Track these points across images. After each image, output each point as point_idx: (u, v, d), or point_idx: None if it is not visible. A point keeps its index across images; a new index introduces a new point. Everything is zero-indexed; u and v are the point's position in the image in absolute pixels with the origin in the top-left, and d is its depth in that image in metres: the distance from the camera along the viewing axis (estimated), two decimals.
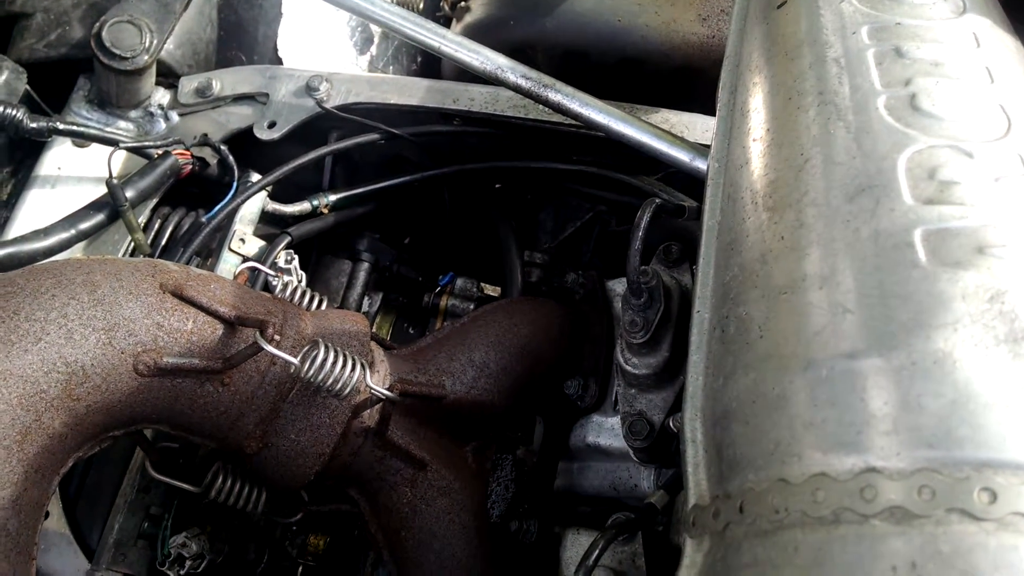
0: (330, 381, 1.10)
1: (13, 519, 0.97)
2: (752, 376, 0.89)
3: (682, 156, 1.42)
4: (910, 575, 0.68)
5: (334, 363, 1.10)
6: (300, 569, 1.46)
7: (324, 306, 1.33)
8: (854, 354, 0.80)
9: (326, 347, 1.10)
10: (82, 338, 1.01)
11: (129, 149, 1.59)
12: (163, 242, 1.58)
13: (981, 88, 0.96)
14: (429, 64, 2.30)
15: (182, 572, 1.29)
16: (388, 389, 1.19)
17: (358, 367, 1.12)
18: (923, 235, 0.84)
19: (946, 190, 0.87)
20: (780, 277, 0.91)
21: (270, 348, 1.08)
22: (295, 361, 1.09)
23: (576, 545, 1.32)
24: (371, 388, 1.16)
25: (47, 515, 1.42)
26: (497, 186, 1.82)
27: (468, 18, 1.89)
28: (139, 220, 1.57)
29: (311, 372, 1.09)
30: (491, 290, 1.67)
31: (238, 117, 1.72)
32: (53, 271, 1.05)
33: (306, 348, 1.10)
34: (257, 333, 1.09)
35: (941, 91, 0.94)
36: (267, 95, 1.71)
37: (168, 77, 1.77)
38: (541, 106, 1.58)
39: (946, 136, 0.91)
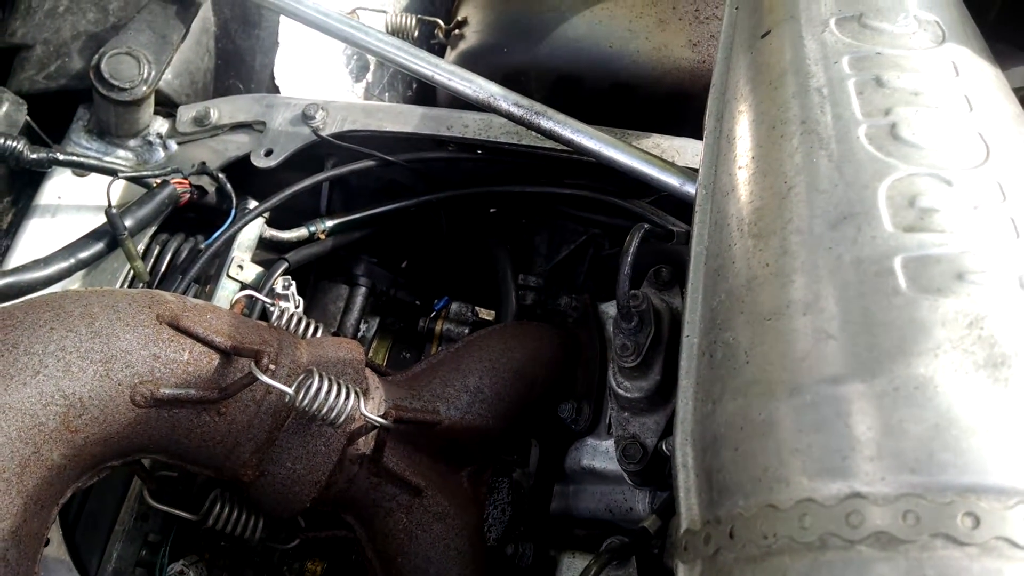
0: (325, 410, 1.11)
1: (13, 549, 0.98)
2: (739, 402, 0.90)
3: (672, 181, 1.44)
4: None
5: (328, 392, 1.11)
6: None
7: (320, 333, 1.35)
8: (838, 380, 0.82)
9: (320, 376, 1.12)
10: (80, 371, 1.03)
11: (128, 179, 1.61)
12: (162, 269, 1.60)
13: (960, 116, 0.97)
14: (424, 91, 2.33)
15: None
16: (383, 416, 1.20)
17: (352, 395, 1.13)
18: (903, 262, 0.85)
19: (926, 217, 0.88)
20: (765, 303, 0.93)
21: (265, 378, 1.09)
22: (290, 391, 1.11)
23: (572, 569, 1.33)
24: (366, 416, 1.17)
25: (47, 542, 1.43)
26: (492, 211, 1.84)
27: (462, 45, 1.92)
28: (138, 248, 1.59)
29: (306, 401, 1.10)
30: (486, 314, 1.68)
31: (235, 145, 1.74)
32: (51, 304, 1.07)
33: (301, 377, 1.11)
34: (252, 363, 1.10)
35: (920, 120, 0.96)
36: (264, 123, 1.73)
37: (166, 106, 1.79)
38: (534, 132, 1.60)
39: (926, 164, 0.92)
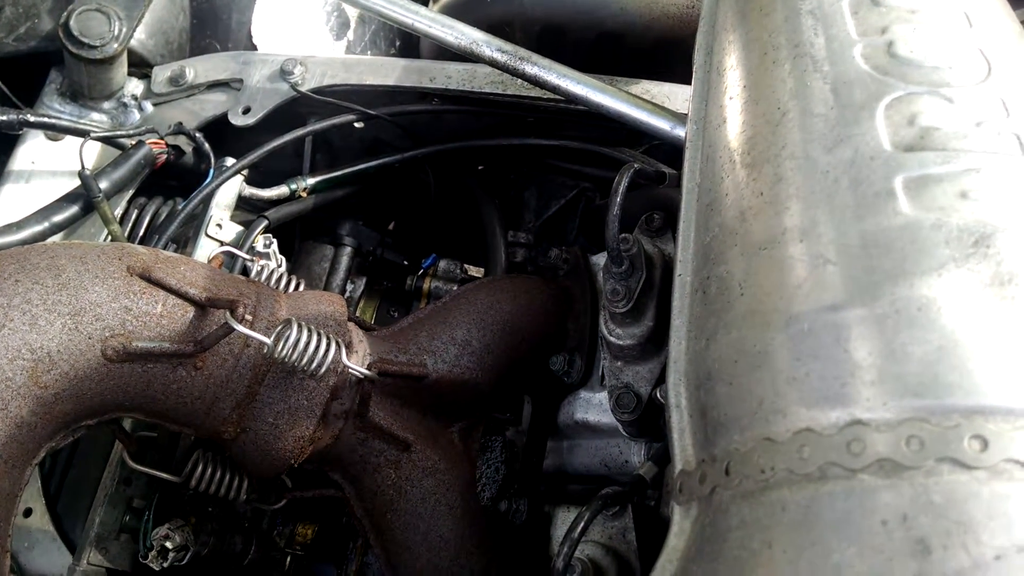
0: (304, 360, 1.07)
1: None
2: (734, 335, 0.86)
3: (662, 124, 1.40)
4: (901, 528, 0.66)
5: (308, 342, 1.07)
6: (288, 560, 1.43)
7: (303, 289, 1.31)
8: (836, 306, 0.78)
9: (299, 326, 1.07)
10: (47, 323, 0.98)
11: (100, 139, 1.56)
12: (140, 232, 1.56)
13: (960, 33, 0.93)
14: (407, 50, 2.27)
15: (165, 564, 1.26)
16: (367, 369, 1.16)
17: (333, 345, 1.09)
18: (904, 182, 0.82)
19: (927, 136, 0.84)
20: (760, 233, 0.89)
21: (241, 328, 1.05)
22: (268, 340, 1.06)
23: (567, 523, 1.29)
24: (348, 367, 1.13)
25: (29, 512, 1.40)
26: (480, 168, 1.79)
27: None
28: (115, 211, 1.55)
29: (284, 351, 1.06)
30: (475, 271, 1.64)
31: (213, 104, 1.70)
32: (16, 256, 1.02)
33: (279, 327, 1.07)
34: (227, 313, 1.06)
35: (919, 37, 0.92)
36: (241, 81, 1.69)
37: (141, 67, 1.74)
38: (520, 82, 1.55)
39: (925, 82, 0.88)
